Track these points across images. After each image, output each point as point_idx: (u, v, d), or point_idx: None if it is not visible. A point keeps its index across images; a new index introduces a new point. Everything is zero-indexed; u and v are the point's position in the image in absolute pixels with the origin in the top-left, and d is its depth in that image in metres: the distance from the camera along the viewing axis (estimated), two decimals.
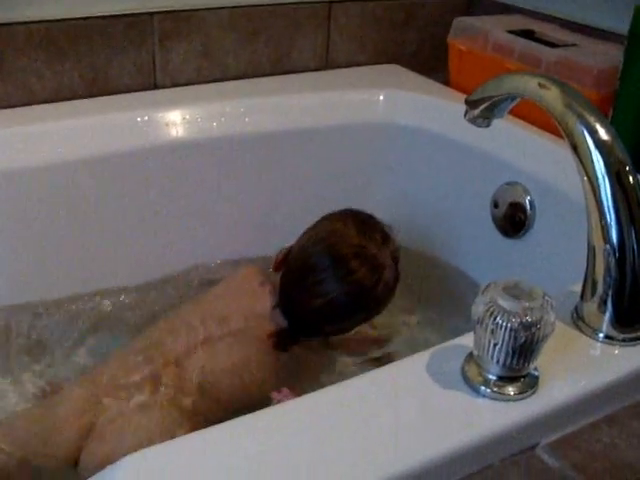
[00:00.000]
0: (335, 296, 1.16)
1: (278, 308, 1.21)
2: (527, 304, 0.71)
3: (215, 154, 1.42)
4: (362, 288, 1.16)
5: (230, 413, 1.04)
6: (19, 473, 1.05)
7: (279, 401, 1.09)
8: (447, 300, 1.47)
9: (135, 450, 0.76)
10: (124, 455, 0.66)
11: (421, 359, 0.79)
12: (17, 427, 1.10)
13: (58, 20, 1.39)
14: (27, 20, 1.36)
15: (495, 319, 0.71)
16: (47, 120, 1.36)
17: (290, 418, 0.72)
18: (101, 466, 0.89)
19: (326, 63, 1.69)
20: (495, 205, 1.40)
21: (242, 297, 1.25)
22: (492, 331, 0.72)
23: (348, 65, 1.72)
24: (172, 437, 0.90)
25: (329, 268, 1.16)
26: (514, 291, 0.73)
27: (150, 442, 0.93)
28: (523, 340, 0.71)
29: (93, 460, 1.05)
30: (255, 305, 1.23)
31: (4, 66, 1.37)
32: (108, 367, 1.16)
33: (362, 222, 1.22)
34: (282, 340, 1.20)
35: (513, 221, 1.37)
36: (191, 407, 1.12)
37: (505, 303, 0.71)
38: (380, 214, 1.58)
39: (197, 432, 0.71)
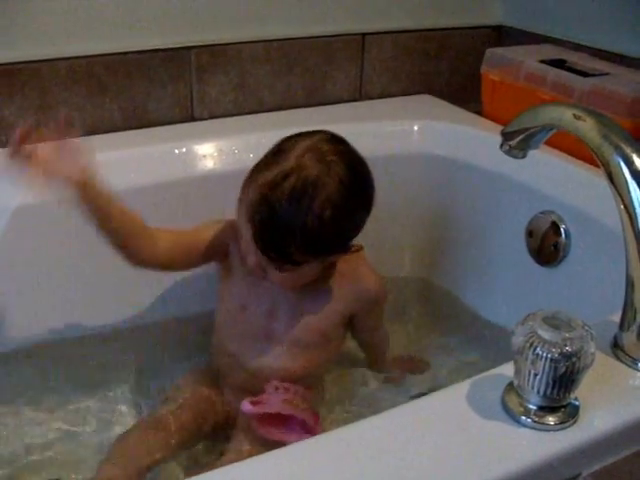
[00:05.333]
0: None
1: None
2: (567, 334, 0.72)
3: None
4: None
5: None
6: None
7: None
8: (481, 329, 1.47)
9: None
10: None
11: (461, 389, 0.80)
12: None
13: (98, 55, 1.43)
14: (69, 56, 1.40)
15: (535, 350, 0.72)
16: None
17: (332, 448, 0.73)
18: None
19: (360, 94, 1.71)
20: (530, 234, 1.40)
21: None
22: (532, 361, 0.72)
23: (382, 96, 1.74)
24: None
25: None
26: (553, 321, 0.74)
27: None
28: (563, 370, 0.71)
29: None
30: None
31: (46, 100, 1.41)
32: None
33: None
34: None
35: (548, 250, 1.37)
36: None
37: (545, 334, 0.72)
38: (415, 244, 1.61)
39: None
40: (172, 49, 1.49)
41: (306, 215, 1.01)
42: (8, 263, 1.29)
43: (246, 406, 1.10)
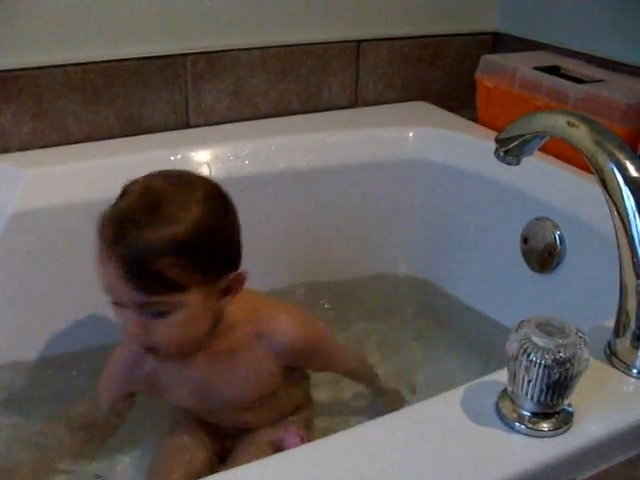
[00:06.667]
0: None
1: None
2: (560, 341, 0.72)
3: (247, 192, 1.43)
4: None
5: None
6: None
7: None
8: (477, 337, 1.47)
9: None
10: None
11: (455, 395, 0.80)
12: None
13: (94, 62, 1.43)
14: (64, 63, 1.40)
15: (529, 356, 0.72)
16: (83, 159, 1.39)
17: (326, 454, 0.73)
18: None
19: (355, 101, 1.72)
20: (525, 240, 1.41)
21: None
22: (526, 368, 0.72)
23: (377, 102, 1.75)
24: None
25: None
26: (547, 328, 0.74)
27: None
28: (557, 377, 0.72)
29: None
30: None
31: (42, 107, 1.41)
32: None
33: None
34: None
35: (543, 256, 1.37)
36: None
37: (539, 340, 0.72)
38: (410, 250, 1.61)
39: None
40: (168, 56, 1.49)
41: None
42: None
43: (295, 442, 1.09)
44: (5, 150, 1.40)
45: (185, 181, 0.98)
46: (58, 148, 1.44)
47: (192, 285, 0.94)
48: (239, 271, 1.01)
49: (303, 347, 1.09)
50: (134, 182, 0.99)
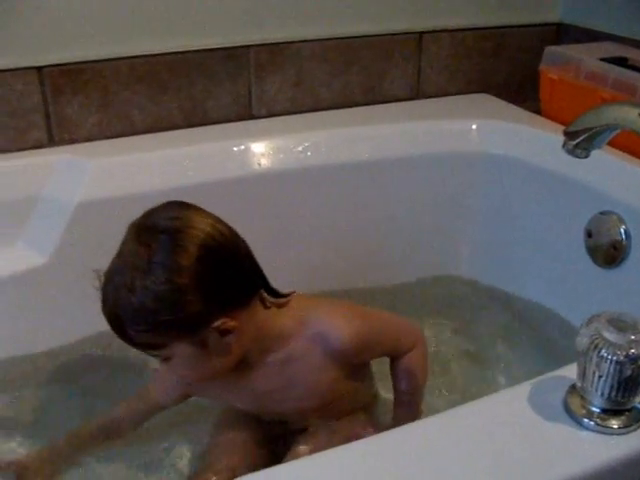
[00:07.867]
0: None
1: None
2: (633, 337, 0.71)
3: (309, 183, 1.45)
4: None
5: None
6: None
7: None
8: (542, 332, 1.45)
9: None
10: None
11: (522, 390, 0.79)
12: None
13: (159, 54, 1.45)
14: (130, 55, 1.43)
15: (600, 352, 0.71)
16: (147, 150, 1.42)
17: (392, 448, 0.73)
18: None
19: (417, 93, 1.71)
20: (589, 235, 1.38)
21: None
22: (597, 364, 0.71)
23: (439, 94, 1.74)
24: None
25: None
26: (618, 323, 0.73)
27: None
28: (629, 373, 0.70)
29: None
30: None
31: (107, 99, 1.43)
32: None
33: None
34: None
35: (608, 251, 1.35)
36: None
37: (610, 335, 0.71)
38: (472, 242, 1.60)
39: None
40: (231, 47, 1.50)
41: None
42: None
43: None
44: (72, 141, 1.44)
45: (168, 251, 0.93)
46: (123, 139, 1.47)
47: (168, 343, 0.95)
48: (222, 320, 0.94)
49: (361, 343, 1.05)
50: (127, 237, 0.98)
